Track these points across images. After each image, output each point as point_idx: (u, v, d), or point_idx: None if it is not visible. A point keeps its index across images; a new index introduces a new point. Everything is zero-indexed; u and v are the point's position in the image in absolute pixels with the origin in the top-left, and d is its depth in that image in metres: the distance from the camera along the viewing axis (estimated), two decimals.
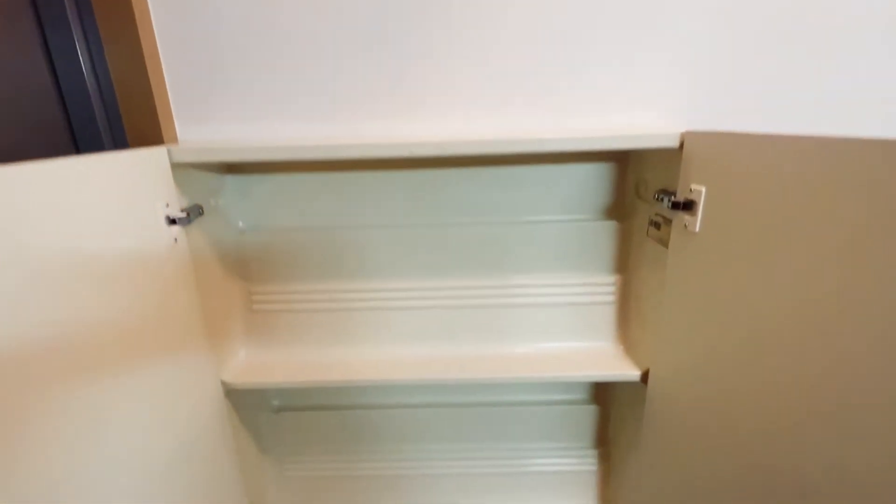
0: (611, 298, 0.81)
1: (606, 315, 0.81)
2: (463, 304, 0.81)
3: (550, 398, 0.93)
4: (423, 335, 0.83)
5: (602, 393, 0.92)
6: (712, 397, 0.60)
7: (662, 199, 0.64)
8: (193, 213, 0.66)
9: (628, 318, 0.80)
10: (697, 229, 0.58)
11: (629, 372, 0.75)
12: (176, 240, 0.63)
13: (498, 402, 0.93)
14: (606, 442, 0.93)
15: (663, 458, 0.74)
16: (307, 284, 0.82)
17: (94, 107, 0.72)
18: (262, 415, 0.93)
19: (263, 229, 0.81)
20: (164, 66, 0.71)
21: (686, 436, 0.67)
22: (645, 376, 0.74)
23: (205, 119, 0.73)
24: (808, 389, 0.45)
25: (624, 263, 0.79)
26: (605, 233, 0.78)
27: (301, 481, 0.97)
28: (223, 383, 0.76)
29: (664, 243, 0.68)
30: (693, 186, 0.59)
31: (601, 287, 0.80)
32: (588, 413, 0.92)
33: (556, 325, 0.81)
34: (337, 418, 0.94)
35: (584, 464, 0.95)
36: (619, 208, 0.79)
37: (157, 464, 0.59)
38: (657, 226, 0.71)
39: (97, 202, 0.49)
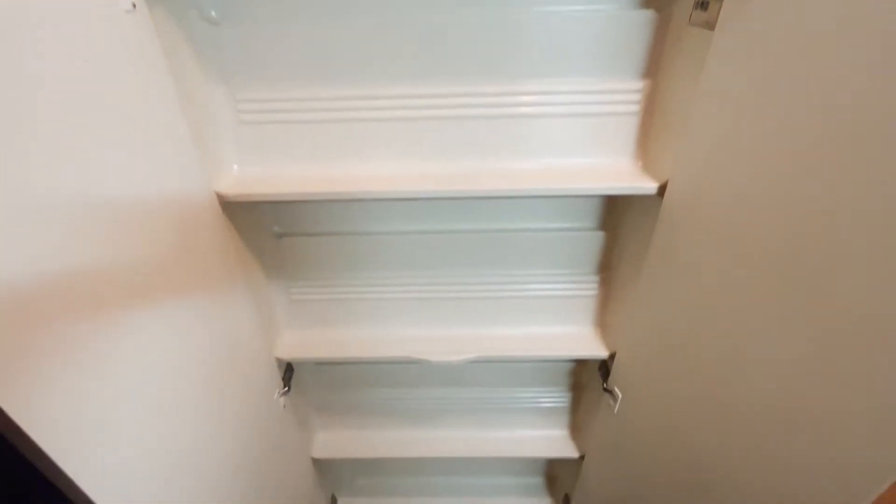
0: (634, 108, 0.73)
1: (627, 127, 0.74)
2: (466, 114, 0.74)
3: (556, 225, 0.91)
4: (423, 149, 0.77)
5: (610, 217, 0.89)
6: (742, 209, 0.56)
7: None
8: None
9: (651, 130, 0.74)
10: None
11: (646, 184, 0.71)
12: (134, 5, 0.53)
13: (500, 230, 0.91)
14: (609, 268, 0.94)
15: (666, 281, 0.74)
16: (296, 91, 0.73)
17: None
18: (264, 241, 0.92)
19: (239, 20, 0.70)
20: None
21: (698, 254, 0.65)
22: (662, 189, 0.71)
23: None
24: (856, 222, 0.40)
25: (655, 65, 0.70)
26: (637, 24, 0.67)
27: (308, 304, 1.01)
28: (218, 195, 0.72)
29: (710, 26, 0.58)
30: None
31: (625, 94, 0.72)
32: (594, 240, 0.91)
33: (570, 138, 0.75)
34: (338, 244, 0.93)
35: (584, 289, 0.97)
36: None
37: (166, 291, 0.58)
38: (703, 6, 0.60)
39: None
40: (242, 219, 0.82)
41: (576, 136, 0.75)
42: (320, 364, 1.16)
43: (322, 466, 1.34)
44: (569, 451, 1.20)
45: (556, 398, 1.20)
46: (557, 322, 1.01)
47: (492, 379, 1.18)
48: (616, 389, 0.93)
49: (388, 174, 0.76)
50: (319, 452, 1.24)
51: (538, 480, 1.55)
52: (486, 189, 0.72)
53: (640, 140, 0.75)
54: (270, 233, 0.93)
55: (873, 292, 0.40)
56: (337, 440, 1.27)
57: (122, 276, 0.51)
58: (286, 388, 0.99)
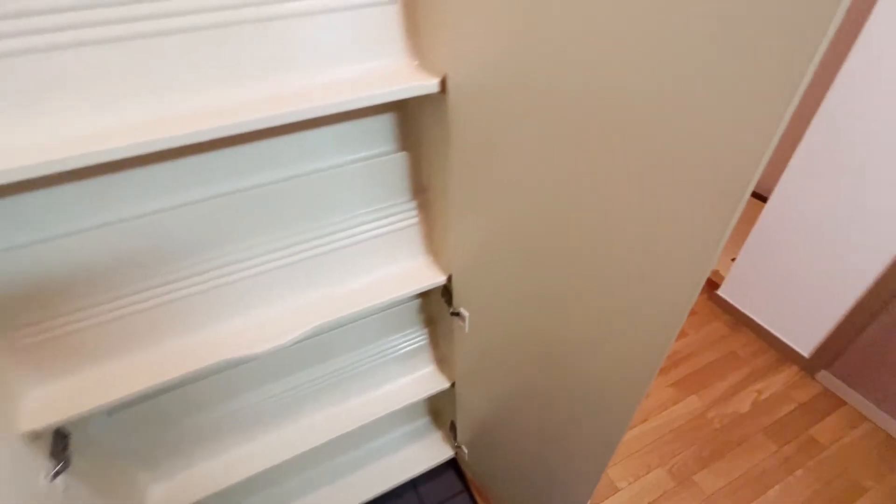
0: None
1: (394, 21, 0.64)
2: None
3: (351, 157, 0.79)
4: (161, 81, 0.55)
5: (409, 135, 0.81)
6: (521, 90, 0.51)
7: None
8: None
9: (420, 22, 0.65)
10: None
11: (426, 82, 0.63)
12: None
13: (288, 177, 0.76)
14: (424, 189, 0.88)
15: (470, 182, 0.70)
16: None
17: None
18: None
19: None
20: None
21: (490, 140, 0.61)
22: (443, 84, 0.64)
23: None
24: None
25: None
26: None
27: (56, 342, 0.72)
28: None
29: None
30: None
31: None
32: (398, 163, 0.82)
33: (339, 43, 0.62)
34: (83, 241, 0.65)
35: (404, 219, 0.90)
36: None
37: None
38: None
39: None
40: None
41: (345, 36, 0.62)
42: (115, 412, 0.88)
43: None
44: (440, 383, 1.19)
45: (414, 339, 1.16)
46: (387, 262, 0.92)
47: (339, 346, 1.06)
48: (462, 310, 0.90)
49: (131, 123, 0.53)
50: None
51: (425, 420, 1.55)
52: (251, 119, 0.55)
53: (411, 34, 0.66)
54: None
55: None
56: (179, 487, 1.03)
57: None
58: (60, 464, 0.71)
